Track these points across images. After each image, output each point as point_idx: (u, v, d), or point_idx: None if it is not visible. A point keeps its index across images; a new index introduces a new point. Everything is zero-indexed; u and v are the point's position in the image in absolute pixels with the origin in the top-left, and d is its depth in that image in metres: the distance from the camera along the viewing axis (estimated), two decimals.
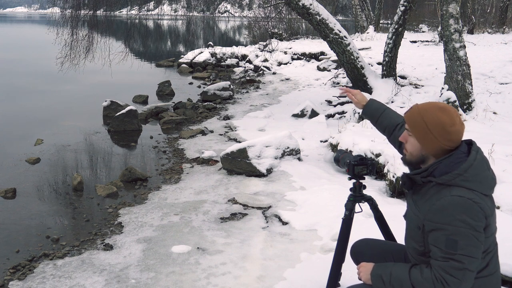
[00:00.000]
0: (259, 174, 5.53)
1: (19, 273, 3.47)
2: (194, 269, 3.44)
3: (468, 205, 1.84)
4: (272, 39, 15.30)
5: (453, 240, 1.83)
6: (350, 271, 2.87)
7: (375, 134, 5.91)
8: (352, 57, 9.09)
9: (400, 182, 2.18)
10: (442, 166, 1.95)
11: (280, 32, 22.42)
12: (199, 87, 13.28)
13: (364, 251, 2.53)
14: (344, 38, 9.09)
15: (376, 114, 2.63)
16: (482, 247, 1.88)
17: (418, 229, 2.00)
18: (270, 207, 4.62)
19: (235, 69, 16.90)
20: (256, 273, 3.36)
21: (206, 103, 10.48)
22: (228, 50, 18.80)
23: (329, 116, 8.69)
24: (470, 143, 2.00)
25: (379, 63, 12.00)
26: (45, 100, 11.20)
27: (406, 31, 10.40)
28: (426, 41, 18.18)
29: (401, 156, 2.21)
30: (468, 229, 1.83)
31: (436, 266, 1.89)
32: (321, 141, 6.90)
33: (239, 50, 18.90)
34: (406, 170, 2.29)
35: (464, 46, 7.13)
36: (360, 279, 2.20)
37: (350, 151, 5.51)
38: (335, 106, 9.38)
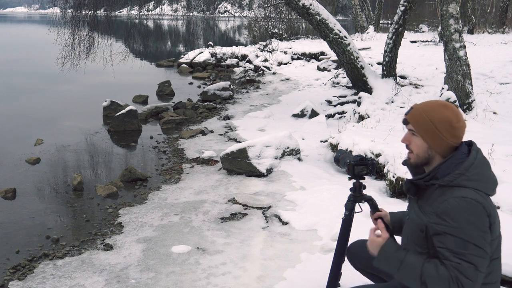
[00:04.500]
0: (259, 174, 5.53)
1: (19, 273, 3.47)
2: (194, 269, 3.44)
3: (471, 206, 1.84)
4: (272, 39, 15.32)
5: (462, 241, 1.82)
6: (350, 271, 2.87)
7: (375, 134, 5.91)
8: (352, 57, 9.08)
9: (404, 189, 2.16)
10: (443, 168, 1.96)
11: (280, 32, 22.40)
12: (199, 87, 13.28)
13: (360, 252, 2.52)
14: (344, 38, 9.08)
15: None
16: (490, 248, 1.86)
17: (421, 232, 1.98)
18: (270, 207, 4.62)
19: (235, 69, 16.90)
20: (256, 273, 3.36)
21: (206, 103, 10.48)
22: (228, 50, 18.79)
23: (329, 116, 8.69)
24: (470, 144, 2.01)
25: (379, 63, 11.99)
26: (45, 100, 11.20)
27: (406, 31, 10.40)
28: (426, 41, 18.16)
29: (404, 159, 2.18)
30: (474, 229, 1.82)
31: (450, 267, 1.84)
32: (321, 141, 6.90)
33: (239, 50, 18.91)
34: (405, 170, 2.28)
35: (464, 46, 7.12)
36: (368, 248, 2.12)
37: (350, 151, 5.50)
38: (335, 106, 9.39)
